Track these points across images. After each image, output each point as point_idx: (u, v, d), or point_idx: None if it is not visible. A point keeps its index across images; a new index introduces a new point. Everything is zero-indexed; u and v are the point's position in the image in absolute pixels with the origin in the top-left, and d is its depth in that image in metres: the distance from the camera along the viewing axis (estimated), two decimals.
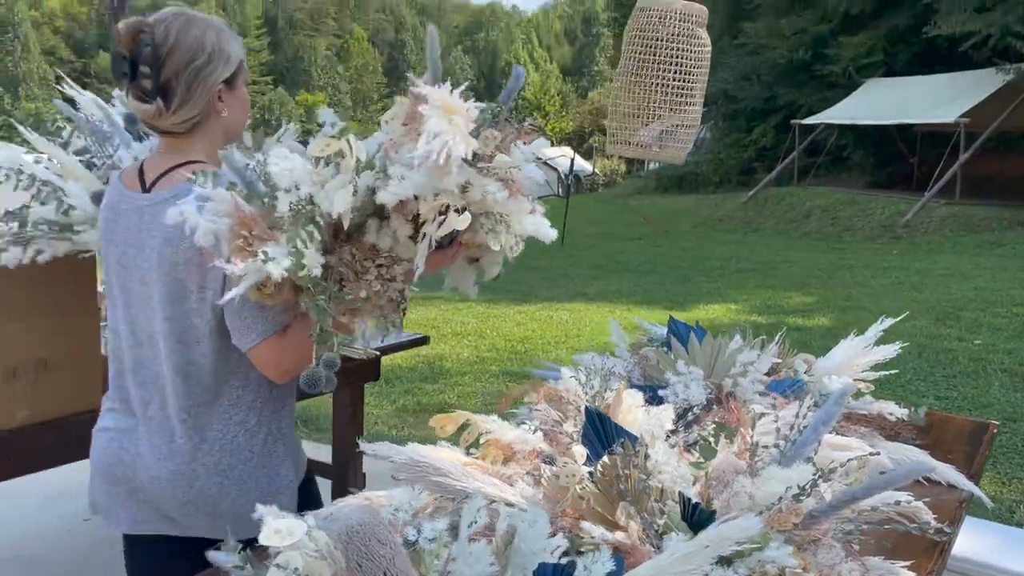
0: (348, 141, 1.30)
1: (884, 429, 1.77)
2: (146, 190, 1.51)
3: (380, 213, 1.33)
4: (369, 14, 77.71)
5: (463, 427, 1.36)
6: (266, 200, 1.31)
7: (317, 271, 1.28)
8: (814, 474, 1.10)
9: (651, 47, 2.42)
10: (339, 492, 2.96)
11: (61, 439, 1.94)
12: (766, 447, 1.25)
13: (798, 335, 6.51)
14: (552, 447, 1.28)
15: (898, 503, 1.15)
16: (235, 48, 1.52)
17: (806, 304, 8.50)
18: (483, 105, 1.36)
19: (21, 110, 48.48)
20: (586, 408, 1.22)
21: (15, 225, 1.85)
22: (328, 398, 3.55)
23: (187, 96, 1.46)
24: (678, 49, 2.46)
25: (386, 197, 1.26)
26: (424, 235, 1.31)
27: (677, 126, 2.48)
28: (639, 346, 1.82)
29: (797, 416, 1.23)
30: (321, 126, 1.37)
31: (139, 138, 1.93)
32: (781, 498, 1.07)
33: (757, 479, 1.12)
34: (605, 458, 1.08)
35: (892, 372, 1.85)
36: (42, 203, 1.87)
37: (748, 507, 1.10)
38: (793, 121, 18.65)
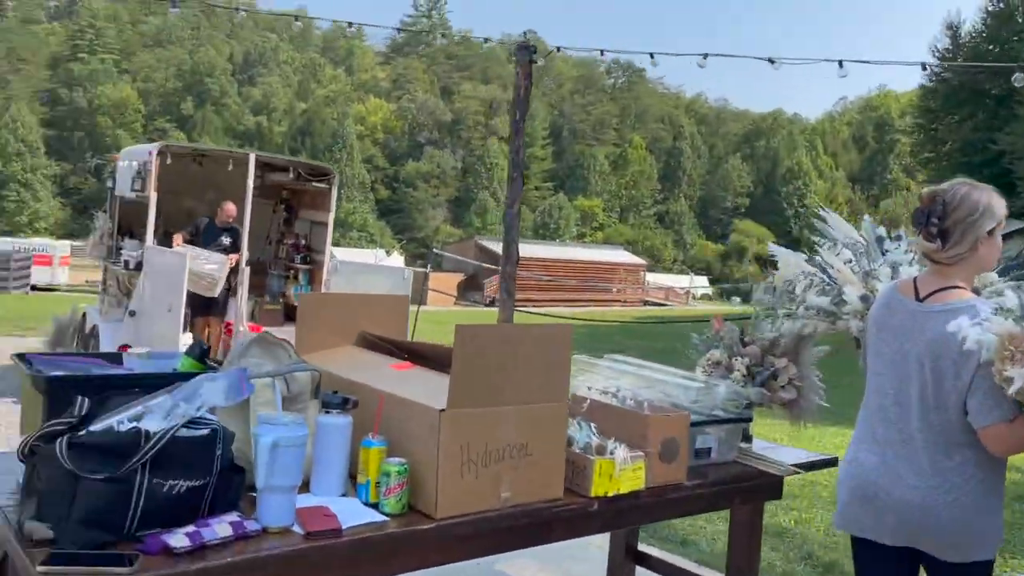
0: None
1: None
2: (919, 299, 2.07)
3: None
4: (648, 124, 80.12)
5: None
6: None
7: None
8: None
9: None
10: None
11: (531, 523, 2.01)
12: None
13: None
14: None
15: None
16: (1000, 209, 2.03)
17: None
18: None
19: (343, 210, 55.25)
20: None
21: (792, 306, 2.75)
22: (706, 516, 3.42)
23: (959, 240, 2.01)
24: None
25: None
26: None
27: None
28: None
29: None
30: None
31: (882, 253, 2.66)
32: None
33: None
34: None
35: None
36: (816, 295, 2.61)
37: None
38: None
